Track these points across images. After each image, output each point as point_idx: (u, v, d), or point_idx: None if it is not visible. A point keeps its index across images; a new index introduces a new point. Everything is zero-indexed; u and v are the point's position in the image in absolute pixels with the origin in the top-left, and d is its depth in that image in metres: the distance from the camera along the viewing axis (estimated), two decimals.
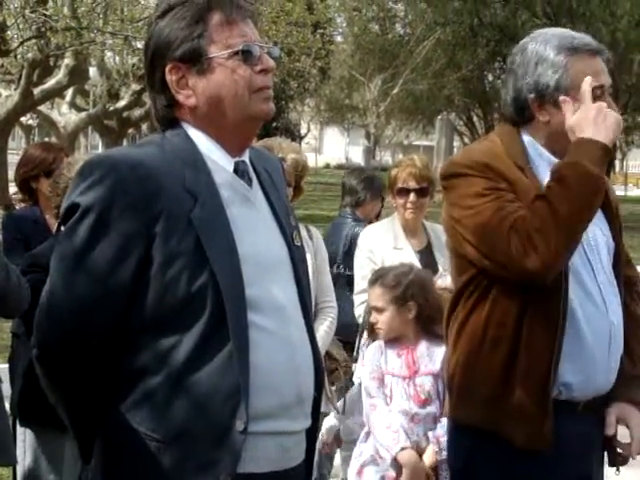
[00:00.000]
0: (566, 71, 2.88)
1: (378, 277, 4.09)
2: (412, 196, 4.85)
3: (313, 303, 4.37)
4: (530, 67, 2.91)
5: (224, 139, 2.38)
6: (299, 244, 2.52)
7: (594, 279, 2.91)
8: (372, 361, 4.00)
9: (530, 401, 2.83)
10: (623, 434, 2.98)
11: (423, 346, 3.98)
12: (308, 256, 4.32)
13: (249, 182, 2.41)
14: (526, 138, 2.95)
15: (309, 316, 2.47)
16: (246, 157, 2.44)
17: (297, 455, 2.41)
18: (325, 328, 4.44)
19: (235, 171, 2.39)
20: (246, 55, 2.33)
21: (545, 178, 2.85)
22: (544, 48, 2.91)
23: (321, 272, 4.48)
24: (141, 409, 2.25)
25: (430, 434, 3.85)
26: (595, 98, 2.84)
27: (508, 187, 2.83)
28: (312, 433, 2.47)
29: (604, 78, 2.91)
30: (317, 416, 2.48)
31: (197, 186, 2.28)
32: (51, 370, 2.33)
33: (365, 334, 4.43)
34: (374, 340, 4.08)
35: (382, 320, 4.00)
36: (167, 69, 2.34)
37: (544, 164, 2.92)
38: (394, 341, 4.01)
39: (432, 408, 3.87)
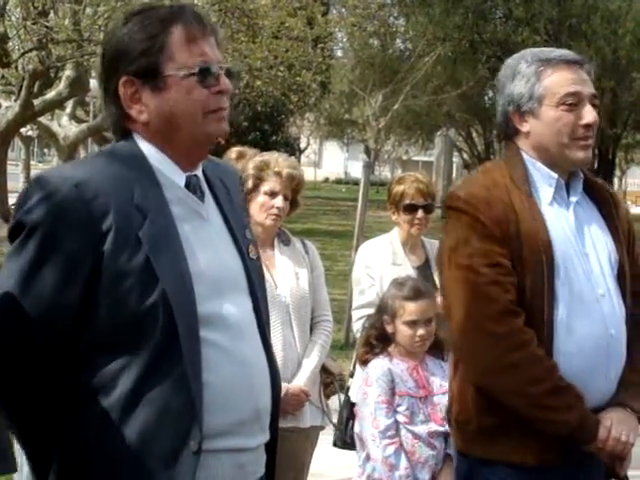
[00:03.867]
0: (538, 80, 2.93)
1: (417, 290, 4.05)
2: (420, 212, 4.86)
3: (309, 317, 4.38)
4: (508, 81, 3.00)
5: (176, 155, 2.33)
6: (255, 257, 2.48)
7: (592, 292, 2.92)
8: (380, 382, 3.96)
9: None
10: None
11: (428, 362, 3.98)
12: (304, 270, 4.32)
13: (201, 197, 2.37)
14: (524, 155, 3.00)
15: (265, 330, 2.43)
16: (199, 171, 2.40)
17: (255, 470, 2.39)
18: (321, 342, 4.43)
19: (187, 185, 2.35)
20: (203, 75, 2.28)
21: (544, 194, 2.95)
22: (518, 62, 3.00)
23: (317, 286, 4.47)
24: (95, 429, 2.21)
25: None
26: (569, 105, 2.89)
27: (500, 236, 2.86)
28: (272, 447, 2.45)
29: (582, 87, 2.93)
30: (276, 430, 2.44)
31: (146, 202, 2.23)
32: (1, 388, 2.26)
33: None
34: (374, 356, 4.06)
35: (431, 331, 4.00)
36: (121, 82, 2.29)
37: (542, 179, 2.97)
38: (402, 357, 4.00)
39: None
